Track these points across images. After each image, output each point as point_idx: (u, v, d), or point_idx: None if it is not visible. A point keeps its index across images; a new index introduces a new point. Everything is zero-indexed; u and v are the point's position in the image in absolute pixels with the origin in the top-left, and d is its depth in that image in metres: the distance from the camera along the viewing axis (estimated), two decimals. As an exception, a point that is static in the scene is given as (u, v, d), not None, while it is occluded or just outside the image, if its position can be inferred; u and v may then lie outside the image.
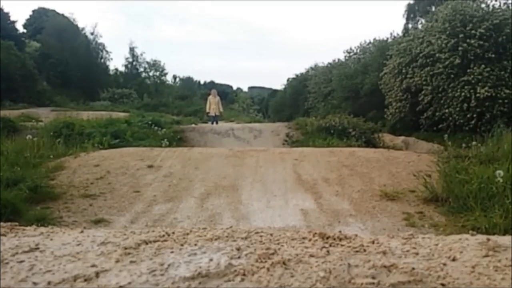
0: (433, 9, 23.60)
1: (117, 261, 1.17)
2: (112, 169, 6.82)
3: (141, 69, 46.16)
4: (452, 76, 15.63)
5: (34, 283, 1.04)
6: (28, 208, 5.12)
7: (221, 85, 52.48)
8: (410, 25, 28.47)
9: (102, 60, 43.09)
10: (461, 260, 1.17)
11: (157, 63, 46.12)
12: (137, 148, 8.80)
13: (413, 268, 1.09)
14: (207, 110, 16.13)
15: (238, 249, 1.24)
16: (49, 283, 1.04)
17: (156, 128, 12.20)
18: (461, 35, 15.49)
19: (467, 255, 1.20)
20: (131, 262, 1.16)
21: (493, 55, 15.16)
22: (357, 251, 1.24)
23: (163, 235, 1.41)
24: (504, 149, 6.68)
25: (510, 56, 15.20)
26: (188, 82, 55.37)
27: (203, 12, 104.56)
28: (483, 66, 14.97)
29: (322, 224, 4.81)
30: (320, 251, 1.23)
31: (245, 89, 64.99)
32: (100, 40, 42.54)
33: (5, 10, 37.51)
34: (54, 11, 42.31)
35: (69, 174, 6.57)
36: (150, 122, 12.69)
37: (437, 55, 15.93)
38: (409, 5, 29.73)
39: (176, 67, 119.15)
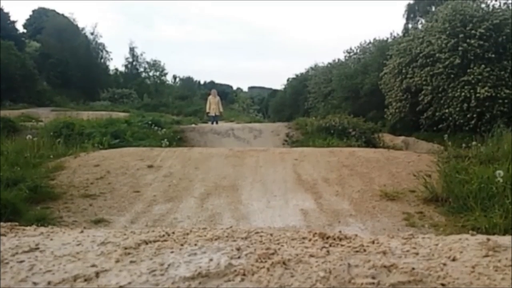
0: (433, 9, 23.60)
1: (117, 261, 1.17)
2: (112, 169, 6.82)
3: (141, 69, 46.22)
4: (452, 76, 15.63)
5: (34, 283, 1.04)
6: (28, 208, 5.12)
7: (221, 85, 52.50)
8: (410, 25, 28.49)
9: (102, 60, 43.13)
10: (461, 260, 1.17)
11: (157, 63, 46.20)
12: (137, 148, 8.80)
13: (413, 268, 1.09)
14: (207, 110, 16.13)
15: (238, 249, 1.24)
16: (49, 283, 1.04)
17: (156, 128, 12.20)
18: (461, 35, 15.49)
19: (467, 255, 1.20)
20: (131, 262, 1.16)
21: (493, 55, 15.16)
22: (357, 251, 1.24)
23: (163, 235, 1.41)
24: (504, 149, 6.68)
25: (510, 56, 15.20)
26: (188, 82, 55.38)
27: (203, 12, 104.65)
28: (483, 66, 14.97)
29: (322, 224, 4.81)
30: (320, 251, 1.23)
31: (245, 89, 65.06)
32: (100, 40, 42.64)
33: (5, 10, 37.58)
34: (54, 11, 42.36)
35: (69, 174, 6.57)
36: (150, 122, 12.69)
37: (437, 55, 15.93)
38: (409, 5, 29.74)
39: (176, 67, 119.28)
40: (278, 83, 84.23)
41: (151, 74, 46.40)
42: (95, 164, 7.09)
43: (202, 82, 58.91)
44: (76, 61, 36.86)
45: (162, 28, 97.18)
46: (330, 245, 1.30)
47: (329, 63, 28.44)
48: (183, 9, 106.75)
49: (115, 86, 38.21)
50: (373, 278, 1.04)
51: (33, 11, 43.09)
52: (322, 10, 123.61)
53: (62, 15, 41.32)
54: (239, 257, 1.18)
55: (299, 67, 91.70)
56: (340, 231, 1.43)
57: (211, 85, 46.77)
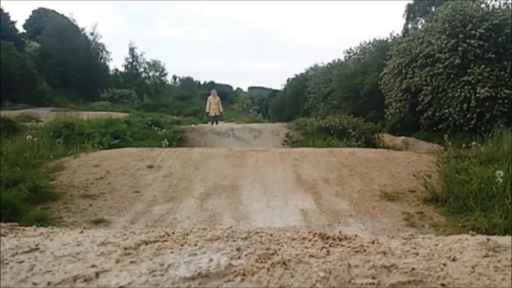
0: (433, 9, 23.62)
1: (117, 261, 1.17)
2: (112, 169, 6.82)
3: (141, 70, 46.23)
4: (452, 76, 15.64)
5: (34, 284, 1.04)
6: (28, 208, 5.12)
7: (221, 85, 52.52)
8: (410, 25, 28.51)
9: (102, 61, 43.13)
10: (461, 260, 1.17)
11: (157, 63, 46.21)
12: (137, 148, 8.80)
13: (413, 268, 1.09)
14: (207, 110, 16.12)
15: (238, 250, 1.24)
16: (49, 283, 1.04)
17: (156, 128, 12.20)
18: (461, 35, 15.50)
19: (467, 255, 1.20)
20: (131, 262, 1.16)
21: (493, 55, 15.16)
22: (357, 251, 1.24)
23: (163, 236, 1.41)
24: (504, 149, 6.68)
25: (510, 56, 15.21)
26: (188, 82, 55.39)
27: (203, 12, 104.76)
28: (483, 66, 14.98)
29: (322, 224, 4.81)
30: (320, 251, 1.23)
31: (245, 89, 65.11)
32: (100, 41, 42.64)
33: (5, 11, 37.62)
34: (54, 11, 42.38)
35: (69, 175, 6.57)
36: (150, 123, 12.69)
37: (437, 55, 15.94)
38: (409, 5, 29.77)
39: (176, 67, 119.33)
40: (278, 83, 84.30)
41: (151, 74, 46.43)
42: (95, 164, 7.09)
43: (202, 82, 59.00)
44: (76, 61, 36.88)
45: (162, 28, 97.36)
46: (330, 245, 1.30)
47: (329, 63, 28.48)
48: (183, 9, 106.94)
49: (115, 86, 38.23)
50: (373, 278, 1.04)
51: (33, 11, 43.18)
52: (322, 10, 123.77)
53: (62, 15, 41.36)
54: (239, 258, 1.18)
55: (299, 67, 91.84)
56: (340, 231, 1.43)
57: (211, 85, 46.80)
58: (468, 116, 15.11)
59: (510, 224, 4.36)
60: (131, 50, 45.05)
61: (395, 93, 17.95)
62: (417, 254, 1.22)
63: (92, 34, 41.70)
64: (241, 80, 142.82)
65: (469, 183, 5.31)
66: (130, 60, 45.33)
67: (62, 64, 36.29)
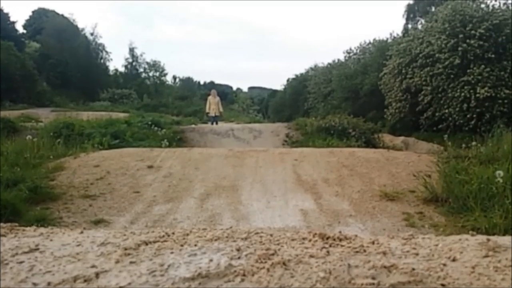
0: (433, 9, 23.63)
1: (117, 261, 1.17)
2: (112, 170, 6.82)
3: (141, 70, 46.23)
4: (452, 76, 15.65)
5: (34, 284, 1.04)
6: (28, 208, 5.12)
7: (221, 85, 52.53)
8: (410, 26, 28.52)
9: (102, 61, 43.13)
10: (461, 260, 1.17)
11: (157, 63, 46.21)
12: (137, 148, 8.80)
13: (413, 269, 1.09)
14: (207, 111, 16.12)
15: (238, 250, 1.24)
16: (49, 283, 1.04)
17: (156, 128, 12.20)
18: (460, 36, 15.51)
19: (467, 255, 1.20)
20: (131, 262, 1.16)
21: (492, 56, 15.17)
22: (357, 252, 1.24)
23: (163, 236, 1.41)
24: (504, 149, 6.68)
25: (509, 56, 15.22)
26: (188, 82, 55.40)
27: (203, 12, 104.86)
28: (483, 66, 14.98)
29: (322, 224, 4.80)
30: (320, 252, 1.23)
31: (245, 89, 65.17)
32: (100, 41, 42.64)
33: (5, 11, 37.64)
34: (54, 11, 42.40)
35: (69, 175, 6.57)
36: (150, 123, 12.69)
37: (437, 55, 15.94)
38: (409, 5, 29.78)
39: (176, 68, 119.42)
40: (278, 84, 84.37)
41: (151, 74, 46.44)
42: (95, 164, 7.09)
43: (202, 83, 59.02)
44: (76, 62, 36.88)
45: (162, 28, 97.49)
46: (330, 246, 1.30)
47: (329, 64, 28.51)
48: (183, 9, 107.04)
49: (115, 87, 38.24)
50: (373, 278, 1.04)
51: (33, 11, 43.19)
52: (322, 10, 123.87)
53: (62, 15, 41.37)
54: (239, 258, 1.18)
55: (299, 67, 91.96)
56: (340, 232, 1.43)
57: (211, 85, 46.80)
58: (468, 116, 15.12)
59: (510, 224, 4.36)
60: (131, 50, 45.12)
61: (395, 93, 17.96)
62: (417, 254, 1.22)
63: (92, 34, 41.77)
64: (241, 80, 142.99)
65: (469, 183, 5.31)
66: (130, 60, 45.38)
67: (62, 64, 36.30)
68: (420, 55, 16.65)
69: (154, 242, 1.34)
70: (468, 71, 15.18)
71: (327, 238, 1.35)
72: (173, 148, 9.15)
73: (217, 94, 16.48)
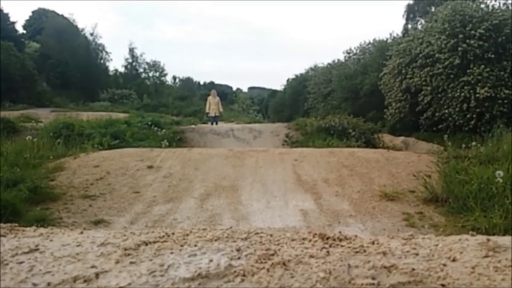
0: (433, 9, 23.64)
1: (117, 262, 1.17)
2: (112, 170, 6.82)
3: (141, 70, 46.24)
4: (451, 76, 15.65)
5: (34, 284, 1.04)
6: (27, 209, 5.12)
7: (220, 85, 52.56)
8: (409, 26, 28.53)
9: (102, 61, 43.15)
10: (461, 260, 1.17)
11: (157, 63, 46.23)
12: (137, 148, 8.80)
13: (413, 269, 1.09)
14: (207, 111, 16.12)
15: (238, 250, 1.24)
16: (49, 284, 1.04)
17: (155, 128, 12.21)
18: (460, 36, 15.51)
19: (467, 255, 1.20)
20: (131, 263, 1.16)
21: (492, 56, 15.17)
22: (357, 252, 1.24)
23: (163, 236, 1.41)
24: (504, 150, 6.68)
25: (509, 56, 15.22)
26: (187, 82, 55.42)
27: (203, 12, 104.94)
28: (482, 66, 14.99)
29: (322, 224, 4.80)
30: (320, 252, 1.23)
31: (245, 89, 65.23)
32: (100, 41, 42.67)
33: (5, 11, 37.65)
34: (53, 11, 42.43)
35: (69, 175, 6.57)
36: (149, 123, 12.70)
37: (436, 55, 15.95)
38: (408, 5, 29.79)
39: (176, 68, 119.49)
40: (278, 84, 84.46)
41: (150, 74, 46.46)
42: (95, 164, 7.09)
43: (201, 83, 59.06)
44: (75, 62, 36.89)
45: (162, 28, 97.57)
46: (330, 246, 1.30)
47: (329, 64, 28.51)
48: (183, 9, 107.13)
49: (114, 87, 38.25)
50: (373, 278, 1.04)
51: (33, 11, 43.20)
52: (322, 10, 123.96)
53: (62, 15, 41.39)
54: (239, 258, 1.18)
55: (299, 68, 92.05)
56: (340, 232, 1.43)
57: (211, 85, 46.82)
58: (468, 116, 15.12)
59: (510, 224, 4.36)
60: (131, 50, 45.15)
61: (395, 93, 17.96)
62: (417, 254, 1.22)
63: (92, 34, 41.80)
64: (241, 80, 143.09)
65: (469, 183, 5.31)
66: (130, 60, 45.40)
67: (62, 64, 36.31)
68: (420, 55, 16.66)
69: (154, 242, 1.34)
70: (468, 71, 15.18)
71: (327, 238, 1.35)
72: (173, 148, 9.15)
73: (217, 94, 16.48)
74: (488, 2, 17.09)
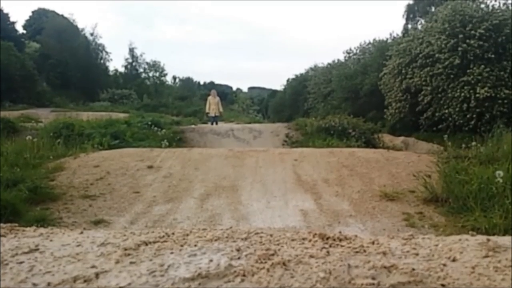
0: (433, 9, 23.64)
1: (117, 262, 1.17)
2: (112, 170, 6.82)
3: (141, 70, 46.24)
4: (451, 76, 15.65)
5: (34, 284, 1.04)
6: (27, 209, 5.12)
7: (220, 85, 52.56)
8: (409, 26, 28.53)
9: (102, 61, 43.15)
10: (461, 260, 1.17)
11: (157, 63, 46.23)
12: (137, 148, 8.80)
13: (413, 269, 1.09)
14: (207, 111, 16.12)
15: (238, 250, 1.24)
16: (48, 284, 1.04)
17: (155, 128, 12.21)
18: (460, 36, 15.51)
19: (467, 255, 1.20)
20: (131, 263, 1.16)
21: (492, 56, 15.17)
22: (357, 252, 1.24)
23: (163, 236, 1.41)
24: (504, 150, 6.68)
25: (509, 56, 15.22)
26: (187, 82, 55.42)
27: (203, 12, 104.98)
28: (482, 66, 14.98)
29: (322, 224, 4.80)
30: (320, 252, 1.23)
31: (245, 89, 65.25)
32: (99, 41, 42.67)
33: (5, 11, 37.64)
34: (53, 12, 42.43)
35: (69, 175, 6.57)
36: (149, 123, 12.70)
37: (436, 55, 15.94)
38: (408, 5, 29.79)
39: (176, 68, 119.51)
40: (278, 84, 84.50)
41: (150, 74, 46.46)
42: (95, 164, 7.09)
43: (201, 83, 59.07)
44: (75, 62, 36.89)
45: (162, 28, 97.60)
46: (330, 246, 1.30)
47: (329, 64, 28.51)
48: (183, 9, 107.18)
49: (114, 87, 38.25)
50: (373, 278, 1.04)
51: (33, 12, 43.20)
52: (322, 10, 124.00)
53: (62, 15, 41.40)
54: (239, 258, 1.18)
55: (299, 68, 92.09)
56: (340, 232, 1.43)
57: (211, 85, 46.83)
58: (468, 116, 15.12)
59: (510, 224, 4.36)
60: (131, 50, 45.15)
61: (395, 93, 17.96)
62: (417, 254, 1.22)
63: (92, 34, 41.79)
64: (241, 80, 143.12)
65: (469, 183, 5.31)
66: (130, 60, 45.39)
67: (62, 64, 36.31)
68: (420, 55, 16.65)
69: (154, 242, 1.34)
70: (468, 71, 15.18)
71: (327, 238, 1.35)
72: (173, 148, 9.15)
73: (217, 94, 16.48)
74: (488, 2, 17.12)
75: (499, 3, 17.01)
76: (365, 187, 6.07)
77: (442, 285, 1.02)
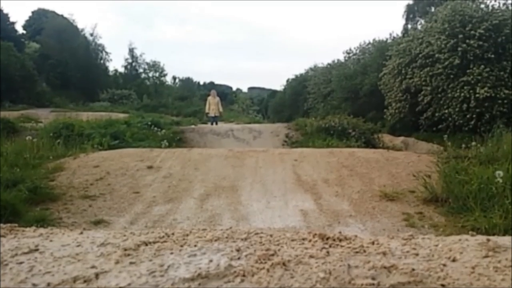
0: (433, 9, 23.64)
1: (117, 262, 1.17)
2: (111, 170, 6.82)
3: (141, 70, 46.22)
4: (451, 76, 15.65)
5: (34, 285, 1.04)
6: (27, 209, 5.12)
7: (220, 85, 52.56)
8: (409, 26, 28.54)
9: (102, 61, 43.13)
10: (461, 260, 1.17)
11: (157, 64, 46.22)
12: (137, 149, 8.80)
13: (413, 269, 1.09)
14: (207, 111, 16.12)
15: (238, 250, 1.23)
16: (48, 284, 1.03)
17: (155, 129, 12.21)
18: (460, 36, 15.51)
19: (467, 255, 1.20)
20: (131, 263, 1.16)
21: (492, 56, 15.17)
22: (357, 252, 1.24)
23: (163, 236, 1.41)
24: (504, 150, 6.68)
25: (509, 56, 15.22)
26: (187, 83, 55.41)
27: (203, 12, 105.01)
28: (482, 66, 14.99)
29: (322, 224, 4.80)
30: (320, 252, 1.23)
31: (245, 89, 65.27)
32: (99, 41, 42.67)
33: (5, 11, 37.65)
34: (53, 12, 42.44)
35: (69, 175, 6.57)
36: (149, 123, 12.70)
37: (436, 55, 15.95)
38: (408, 5, 29.81)
39: (176, 68, 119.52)
40: (277, 84, 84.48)
41: (150, 75, 46.44)
42: (94, 165, 7.09)
43: (201, 83, 59.05)
44: (75, 62, 36.89)
45: (162, 28, 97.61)
46: (330, 246, 1.30)
47: (329, 64, 28.51)
48: (183, 9, 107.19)
49: (114, 87, 38.25)
50: (373, 279, 1.04)
51: (33, 12, 43.21)
52: (322, 10, 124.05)
53: (62, 16, 41.40)
54: (239, 258, 1.18)
55: (299, 68, 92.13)
56: (340, 232, 1.43)
57: (211, 85, 46.83)
58: (468, 116, 15.12)
59: (510, 224, 4.36)
60: (131, 50, 45.14)
61: (395, 94, 17.96)
62: (417, 254, 1.22)
63: (91, 34, 41.79)
64: (240, 80, 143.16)
65: (469, 183, 5.31)
66: (130, 60, 45.38)
67: (61, 64, 36.31)
68: (420, 55, 16.66)
69: (154, 242, 1.34)
70: (468, 71, 15.19)
71: (327, 239, 1.35)
72: (173, 148, 9.15)
73: (217, 95, 16.48)
74: (488, 2, 17.12)
75: (499, 3, 17.05)
76: (365, 187, 6.07)
77: (442, 285, 1.02)
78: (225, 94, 43.36)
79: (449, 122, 15.63)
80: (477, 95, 14.80)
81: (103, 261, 1.18)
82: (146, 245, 1.32)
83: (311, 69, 31.64)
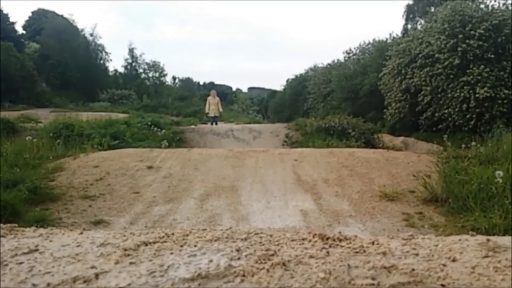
0: (433, 9, 23.64)
1: (117, 262, 1.17)
2: (111, 170, 6.82)
3: (141, 70, 46.21)
4: (451, 76, 15.65)
5: (34, 285, 1.04)
6: (27, 209, 5.12)
7: (220, 85, 52.57)
8: (409, 26, 28.53)
9: (102, 61, 43.11)
10: (461, 260, 1.17)
11: (157, 64, 46.20)
12: (137, 149, 8.80)
13: (413, 269, 1.09)
14: (207, 111, 16.12)
15: (237, 250, 1.23)
16: (48, 284, 1.03)
17: (155, 129, 12.21)
18: (460, 36, 15.51)
19: (467, 255, 1.20)
20: (131, 263, 1.16)
21: (492, 56, 15.17)
22: (357, 252, 1.24)
23: (163, 236, 1.41)
24: (504, 150, 6.68)
25: (509, 56, 15.22)
26: (187, 83, 55.40)
27: (203, 12, 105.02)
28: (482, 66, 14.99)
29: (322, 225, 4.80)
30: (320, 252, 1.23)
31: (245, 89, 65.28)
32: (99, 41, 42.65)
33: (5, 11, 37.63)
34: (53, 12, 42.43)
35: (69, 175, 6.57)
36: (149, 123, 12.70)
37: (436, 55, 15.95)
38: (408, 5, 29.80)
39: (176, 68, 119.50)
40: (277, 84, 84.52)
41: (150, 75, 46.43)
42: (94, 165, 7.08)
43: (201, 83, 59.04)
44: (75, 62, 36.88)
45: (162, 28, 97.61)
46: (330, 246, 1.30)
47: (329, 64, 28.51)
48: (183, 9, 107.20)
49: (114, 87, 38.24)
50: (373, 279, 1.04)
51: (33, 12, 43.21)
52: (322, 10, 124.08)
53: (62, 16, 41.39)
54: (238, 258, 1.18)
55: (299, 68, 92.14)
56: (340, 232, 1.43)
57: (211, 86, 46.82)
58: (468, 116, 15.12)
59: (510, 225, 4.36)
60: (131, 50, 45.12)
61: (395, 94, 17.96)
62: (417, 254, 1.22)
63: (91, 35, 41.77)
64: (240, 80, 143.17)
65: (469, 184, 5.31)
66: (130, 61, 45.36)
67: (61, 65, 36.31)
68: (420, 55, 16.66)
69: (154, 242, 1.34)
70: (468, 71, 15.18)
71: (327, 239, 1.35)
72: (173, 148, 9.15)
73: (217, 95, 16.48)
74: (488, 2, 17.11)
75: (499, 3, 17.04)
76: (365, 187, 6.07)
77: (442, 285, 1.02)
78: (225, 94, 43.37)
79: (449, 122, 15.63)
80: (477, 95, 14.80)
81: (103, 261, 1.18)
82: (146, 245, 1.32)
83: (311, 69, 31.66)
